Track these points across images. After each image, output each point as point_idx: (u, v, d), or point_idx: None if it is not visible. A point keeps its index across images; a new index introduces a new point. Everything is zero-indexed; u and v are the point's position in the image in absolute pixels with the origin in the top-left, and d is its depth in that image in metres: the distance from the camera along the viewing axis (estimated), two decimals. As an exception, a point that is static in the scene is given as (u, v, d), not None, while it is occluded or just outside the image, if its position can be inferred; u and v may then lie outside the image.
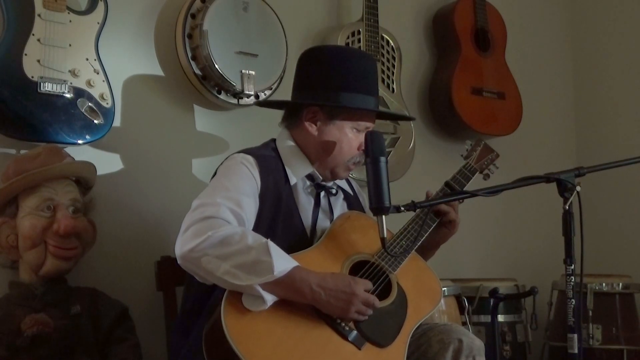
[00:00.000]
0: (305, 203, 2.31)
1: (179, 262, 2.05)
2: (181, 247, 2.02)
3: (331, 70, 2.30)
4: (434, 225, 2.34)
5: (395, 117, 2.59)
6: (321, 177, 2.35)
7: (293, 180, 2.29)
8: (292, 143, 2.34)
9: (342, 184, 2.46)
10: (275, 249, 1.99)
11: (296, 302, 2.02)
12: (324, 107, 2.29)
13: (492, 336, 2.97)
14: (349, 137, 2.30)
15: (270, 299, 1.98)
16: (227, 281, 1.97)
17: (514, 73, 3.75)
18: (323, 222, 2.33)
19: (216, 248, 1.98)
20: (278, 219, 2.22)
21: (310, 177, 2.35)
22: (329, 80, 2.30)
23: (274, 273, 1.96)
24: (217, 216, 2.04)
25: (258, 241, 2.01)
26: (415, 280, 2.25)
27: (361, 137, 2.29)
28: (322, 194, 2.36)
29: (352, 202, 2.46)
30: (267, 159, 2.28)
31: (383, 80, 3.32)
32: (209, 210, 2.05)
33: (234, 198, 2.11)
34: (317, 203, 2.34)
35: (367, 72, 2.33)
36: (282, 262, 1.99)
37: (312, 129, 2.31)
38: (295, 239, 2.22)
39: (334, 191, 2.39)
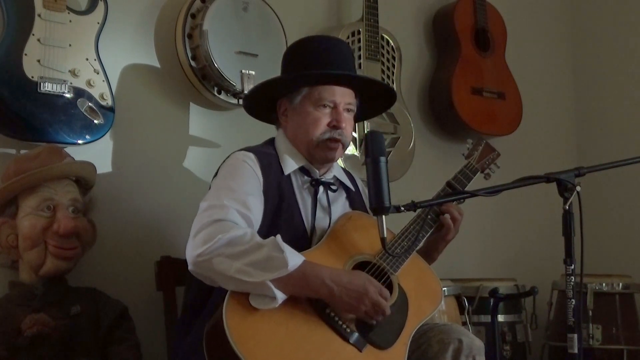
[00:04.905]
0: (302, 199, 2.30)
1: (190, 268, 2.04)
2: (192, 253, 2.01)
3: (294, 56, 2.34)
4: (435, 226, 2.33)
5: (372, 88, 2.39)
6: (318, 172, 2.34)
7: (287, 171, 2.29)
8: (285, 140, 2.36)
9: (344, 179, 2.44)
10: (285, 245, 2.00)
11: (298, 303, 2.02)
12: (288, 96, 2.31)
13: (492, 336, 2.97)
14: (314, 115, 2.27)
15: (281, 296, 1.98)
16: (240, 279, 1.96)
17: (514, 73, 3.74)
18: (322, 218, 2.31)
19: (227, 248, 1.98)
20: (279, 215, 2.22)
21: (306, 172, 2.34)
22: (291, 67, 2.32)
23: (287, 267, 1.95)
24: (226, 219, 2.04)
25: (267, 239, 2.02)
26: (416, 281, 2.24)
27: (331, 114, 2.27)
28: (321, 190, 2.35)
29: (354, 199, 2.44)
30: (267, 156, 2.29)
31: (383, 80, 3.31)
32: (217, 213, 2.05)
33: (240, 199, 2.11)
34: (315, 199, 2.32)
35: (328, 49, 2.31)
36: (294, 257, 1.99)
37: (284, 120, 2.34)
38: (295, 235, 2.21)
39: (334, 187, 2.38)
